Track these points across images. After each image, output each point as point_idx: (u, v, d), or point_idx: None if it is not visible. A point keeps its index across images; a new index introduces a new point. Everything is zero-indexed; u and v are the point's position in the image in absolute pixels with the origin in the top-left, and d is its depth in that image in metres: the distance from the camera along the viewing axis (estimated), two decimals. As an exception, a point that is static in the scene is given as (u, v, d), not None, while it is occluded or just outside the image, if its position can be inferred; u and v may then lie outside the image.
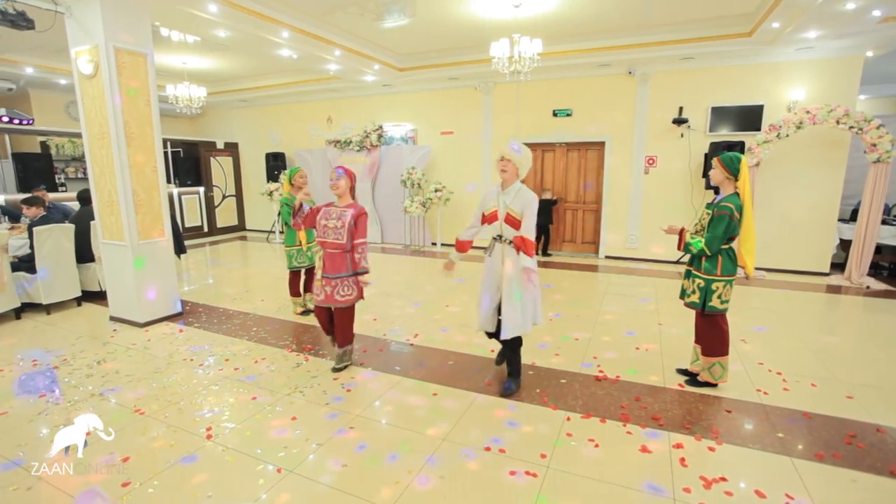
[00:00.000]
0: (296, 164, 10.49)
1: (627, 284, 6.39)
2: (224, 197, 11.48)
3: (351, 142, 9.53)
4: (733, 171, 3.01)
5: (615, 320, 4.83)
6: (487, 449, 2.60)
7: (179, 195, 10.31)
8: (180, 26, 5.73)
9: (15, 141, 8.55)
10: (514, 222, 3.01)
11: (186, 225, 10.48)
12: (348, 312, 3.55)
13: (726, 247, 3.06)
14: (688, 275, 3.27)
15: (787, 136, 6.27)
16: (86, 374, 3.61)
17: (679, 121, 7.11)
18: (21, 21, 4.08)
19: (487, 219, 3.16)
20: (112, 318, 4.91)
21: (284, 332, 4.54)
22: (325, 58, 7.01)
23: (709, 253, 3.03)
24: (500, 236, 3.11)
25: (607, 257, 8.09)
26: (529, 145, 8.25)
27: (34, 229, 4.95)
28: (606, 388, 3.35)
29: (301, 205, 3.52)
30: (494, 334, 3.30)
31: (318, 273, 3.46)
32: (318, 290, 3.48)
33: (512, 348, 3.27)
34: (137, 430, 2.82)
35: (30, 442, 2.70)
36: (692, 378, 3.40)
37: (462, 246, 3.40)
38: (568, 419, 2.92)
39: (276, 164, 10.50)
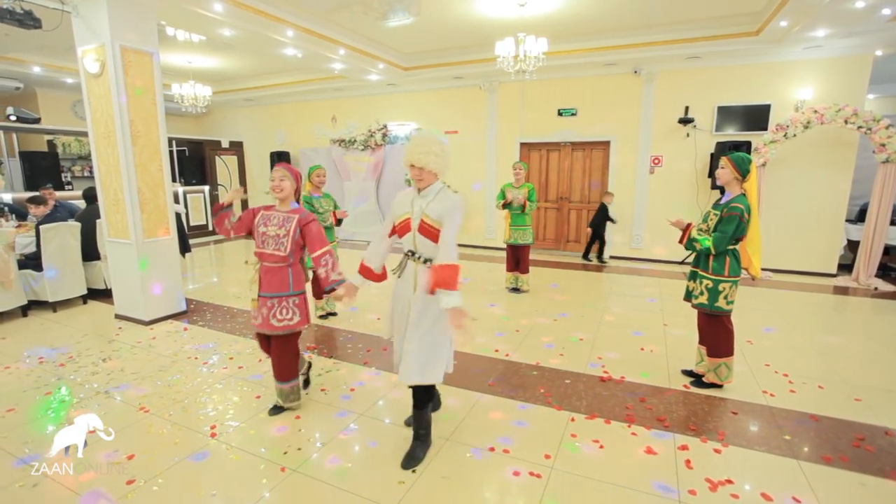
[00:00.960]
0: (301, 164, 10.51)
1: (632, 285, 6.36)
2: (229, 196, 11.52)
3: (355, 141, 9.54)
4: (743, 172, 2.99)
5: (620, 321, 4.81)
6: (491, 449, 2.60)
7: (184, 194, 10.35)
8: (186, 25, 5.74)
9: (22, 140, 8.61)
10: (431, 233, 2.30)
11: (191, 224, 10.52)
12: (289, 342, 2.87)
13: (732, 247, 3.04)
14: (693, 276, 3.25)
15: (795, 135, 6.22)
16: (91, 371, 3.63)
17: (685, 120, 7.07)
18: (28, 20, 4.10)
19: (398, 230, 2.43)
20: (117, 316, 4.93)
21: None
22: (330, 57, 7.01)
23: (714, 252, 3.01)
24: (413, 252, 2.40)
25: (612, 257, 8.06)
26: (534, 145, 8.41)
27: (40, 227, 4.98)
28: (611, 388, 3.33)
29: (226, 204, 2.89)
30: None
31: (253, 291, 2.86)
32: (254, 313, 2.85)
33: (418, 400, 2.47)
34: (142, 427, 2.83)
35: (35, 439, 2.72)
36: (697, 379, 3.38)
37: (368, 274, 2.59)
38: (572, 420, 2.91)
39: (280, 160, 10.51)
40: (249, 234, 2.88)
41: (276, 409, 2.99)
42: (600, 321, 4.78)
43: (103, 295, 5.57)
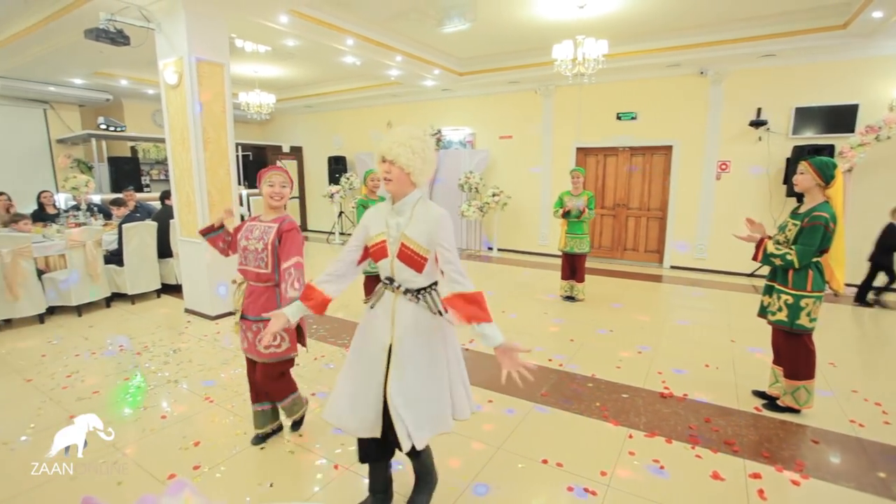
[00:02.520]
0: (356, 168, 10.80)
1: (695, 297, 6.01)
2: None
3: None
4: (827, 178, 2.73)
5: (682, 334, 4.55)
6: (544, 462, 2.52)
7: (247, 196, 10.92)
8: (254, 37, 6.06)
9: (109, 146, 9.42)
10: (413, 259, 1.79)
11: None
12: (276, 370, 2.52)
13: (815, 260, 2.79)
14: (769, 290, 3.00)
15: (889, 137, 5.65)
16: (163, 360, 3.88)
17: (757, 123, 6.62)
18: (119, 38, 4.49)
19: (372, 253, 1.88)
20: (186, 310, 5.25)
21: (343, 330, 4.64)
22: (387, 64, 7.17)
23: (797, 266, 2.77)
24: (392, 280, 1.86)
25: (673, 267, 7.67)
26: (591, 150, 8.18)
27: (123, 227, 5.41)
28: (672, 406, 3.15)
29: (217, 226, 2.63)
30: (378, 443, 1.94)
31: (237, 312, 2.52)
32: (240, 337, 2.56)
33: (416, 453, 1.93)
34: (207, 416, 2.98)
35: (116, 420, 2.93)
36: (771, 402, 3.12)
37: (313, 300, 1.90)
38: (630, 436, 2.77)
39: (337, 167, 10.86)
40: None
41: (259, 439, 2.66)
42: (660, 334, 4.55)
43: (174, 290, 5.96)
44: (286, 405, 2.65)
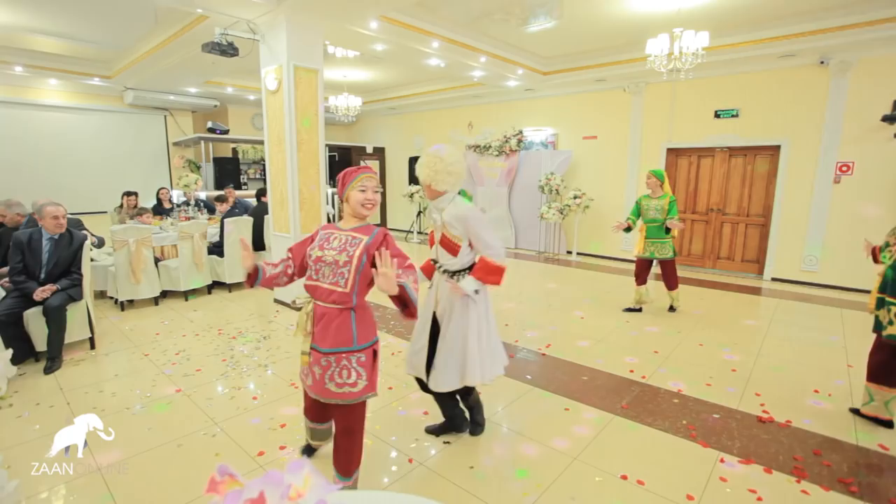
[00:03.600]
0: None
1: (802, 313, 5.38)
2: (370, 198, 12.54)
3: (490, 146, 9.66)
4: None
5: (785, 354, 4.09)
6: (624, 477, 2.38)
7: (332, 195, 11.52)
8: (345, 43, 6.38)
9: (215, 147, 10.41)
10: (451, 246, 2.42)
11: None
12: (354, 415, 2.04)
13: None
14: (881, 304, 2.71)
15: None
16: (254, 346, 4.20)
17: (891, 118, 5.77)
18: (230, 50, 4.93)
19: (430, 239, 2.60)
20: (275, 301, 5.64)
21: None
22: (471, 65, 7.20)
23: None
24: (435, 261, 2.57)
25: (774, 279, 6.94)
26: (683, 151, 7.64)
27: (224, 221, 5.93)
28: (773, 432, 2.84)
29: (254, 272, 2.15)
30: (424, 383, 2.61)
31: (303, 340, 2.07)
32: (303, 372, 2.10)
33: (461, 395, 2.69)
34: (292, 401, 3.17)
35: (215, 398, 3.21)
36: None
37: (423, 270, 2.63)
38: (721, 461, 2.53)
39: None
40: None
41: (311, 451, 2.55)
42: (758, 352, 4.12)
43: (267, 281, 6.42)
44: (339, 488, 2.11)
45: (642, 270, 5.20)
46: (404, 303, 1.91)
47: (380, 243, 2.00)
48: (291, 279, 2.20)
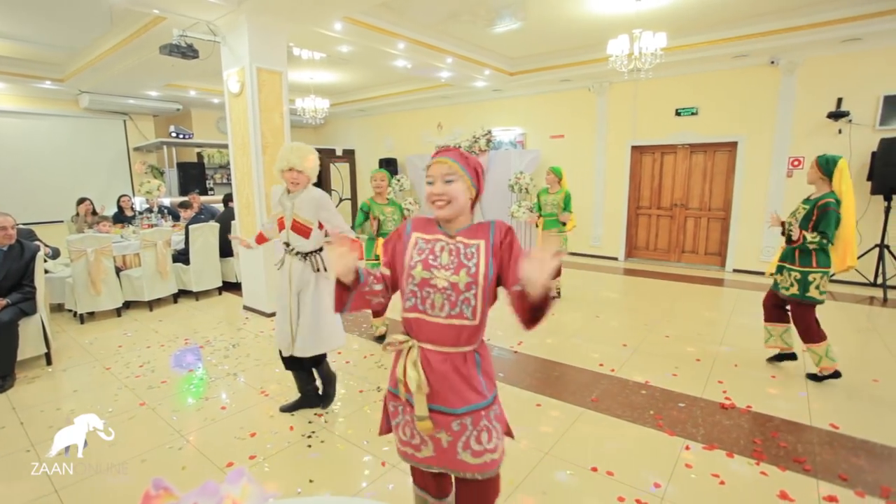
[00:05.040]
0: (407, 170, 10.94)
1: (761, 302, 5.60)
2: (340, 200, 12.40)
3: (460, 146, 9.68)
4: (827, 172, 3.22)
5: (745, 343, 4.25)
6: (594, 469, 2.43)
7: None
8: (310, 45, 6.30)
9: (178, 152, 10.11)
10: (302, 229, 2.75)
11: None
12: (492, 489, 1.53)
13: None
14: (780, 269, 3.49)
15: None
16: (223, 355, 4.10)
17: (837, 114, 6.08)
18: (189, 52, 4.80)
19: (279, 224, 2.86)
20: (245, 308, 5.52)
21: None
22: (438, 66, 7.22)
23: (833, 242, 3.20)
24: (288, 244, 2.83)
25: (736, 271, 7.21)
26: (647, 148, 7.85)
27: (189, 228, 5.77)
28: (734, 418, 2.95)
29: (348, 282, 1.44)
30: (288, 360, 2.96)
31: (419, 401, 1.40)
32: (414, 438, 1.52)
33: (316, 366, 3.04)
34: (262, 410, 3.11)
35: (181, 409, 3.12)
36: (813, 376, 3.45)
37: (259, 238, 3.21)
38: (687, 448, 2.62)
39: (388, 168, 11.06)
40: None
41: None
42: (721, 341, 4.28)
43: (234, 288, 6.29)
44: None
45: None
46: (537, 307, 1.28)
47: (503, 235, 1.45)
48: (382, 303, 1.52)
